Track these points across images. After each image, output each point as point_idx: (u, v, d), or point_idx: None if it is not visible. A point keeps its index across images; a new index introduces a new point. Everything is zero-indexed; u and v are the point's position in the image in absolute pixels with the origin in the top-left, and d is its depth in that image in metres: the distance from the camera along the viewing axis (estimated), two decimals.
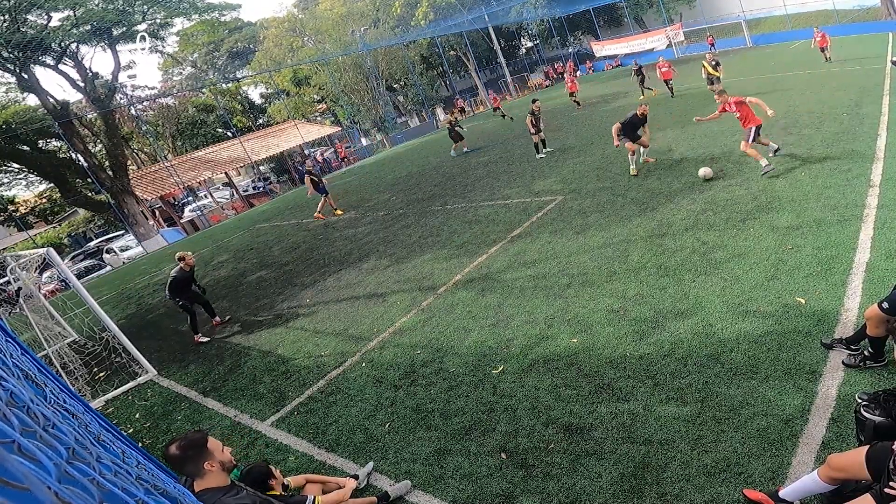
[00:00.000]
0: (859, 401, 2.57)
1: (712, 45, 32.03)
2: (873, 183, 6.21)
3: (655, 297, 5.03)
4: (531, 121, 13.34)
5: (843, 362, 3.46)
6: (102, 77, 25.47)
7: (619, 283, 5.51)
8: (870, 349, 3.36)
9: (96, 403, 6.40)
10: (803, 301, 4.26)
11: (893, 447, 2.11)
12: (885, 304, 3.11)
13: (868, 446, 2.26)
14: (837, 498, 2.44)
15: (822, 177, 6.80)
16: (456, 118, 19.07)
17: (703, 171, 8.15)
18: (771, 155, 8.01)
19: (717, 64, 15.59)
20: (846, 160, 7.19)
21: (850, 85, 12.53)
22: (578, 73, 36.95)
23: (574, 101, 21.08)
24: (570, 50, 43.96)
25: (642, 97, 19.20)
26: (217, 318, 8.30)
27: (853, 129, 8.61)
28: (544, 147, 13.58)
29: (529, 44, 50.12)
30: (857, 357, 3.41)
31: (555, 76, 40.80)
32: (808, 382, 3.39)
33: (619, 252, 6.30)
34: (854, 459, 2.25)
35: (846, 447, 2.75)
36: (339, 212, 14.21)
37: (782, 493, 2.59)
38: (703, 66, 16.36)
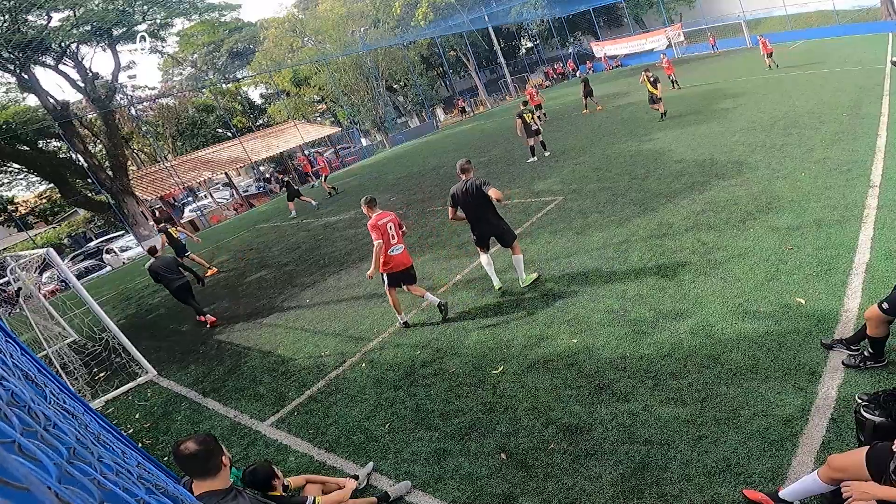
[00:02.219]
0: (859, 401, 2.57)
1: (713, 45, 32.06)
2: (873, 183, 6.21)
3: (655, 297, 5.03)
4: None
5: (843, 363, 3.46)
6: (102, 77, 25.47)
7: (619, 283, 5.51)
8: (870, 349, 3.36)
9: (96, 404, 6.40)
10: (803, 301, 4.26)
11: (893, 447, 2.11)
12: (885, 305, 3.11)
13: (868, 447, 2.26)
14: (837, 498, 2.44)
15: (822, 177, 6.80)
16: (289, 177, 17.12)
17: None
18: (435, 305, 5.93)
19: (656, 80, 13.84)
20: (846, 160, 7.19)
21: (850, 85, 12.53)
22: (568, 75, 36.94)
23: (541, 113, 18.94)
24: (570, 50, 43.96)
25: (585, 111, 18.73)
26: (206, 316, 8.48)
27: (853, 129, 8.61)
28: (532, 155, 13.19)
29: (529, 44, 50.13)
30: (857, 357, 3.41)
31: (555, 76, 40.81)
32: (808, 383, 3.39)
33: (619, 252, 6.30)
34: (854, 460, 2.25)
35: (846, 447, 2.75)
36: (210, 272, 12.07)
37: (782, 494, 2.59)
38: (644, 83, 14.44)
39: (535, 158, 13.03)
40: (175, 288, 8.27)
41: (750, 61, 22.06)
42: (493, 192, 5.50)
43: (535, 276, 6.19)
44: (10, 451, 0.72)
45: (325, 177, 20.18)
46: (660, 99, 13.92)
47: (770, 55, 19.46)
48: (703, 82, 19.68)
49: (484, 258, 6.11)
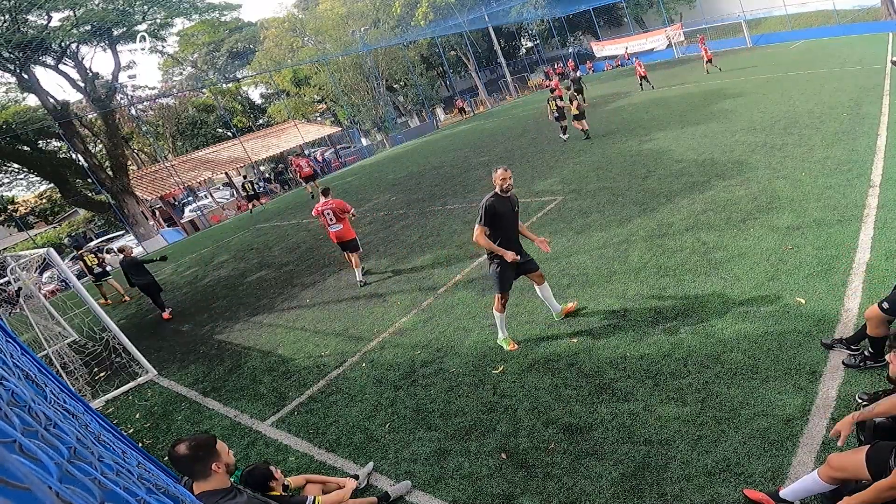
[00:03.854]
0: (859, 401, 2.57)
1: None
2: (873, 183, 6.21)
3: (655, 297, 5.03)
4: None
5: (843, 362, 3.46)
6: (102, 77, 25.45)
7: (619, 283, 5.51)
8: (870, 349, 3.36)
9: (96, 403, 6.40)
10: (803, 301, 4.26)
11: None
12: (886, 305, 3.11)
13: (868, 446, 2.26)
14: (838, 498, 2.44)
15: (822, 177, 6.80)
16: (249, 179, 19.93)
17: None
18: (361, 280, 7.90)
19: (581, 91, 13.85)
20: (846, 160, 7.19)
21: (850, 85, 12.53)
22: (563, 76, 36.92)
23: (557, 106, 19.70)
24: (570, 50, 43.95)
25: (584, 105, 19.39)
26: (167, 312, 9.49)
27: (853, 129, 8.61)
28: (563, 133, 14.58)
29: (529, 44, 50.12)
30: (857, 357, 3.42)
31: (554, 76, 40.79)
32: (808, 382, 3.39)
33: (619, 252, 6.30)
34: (854, 459, 2.25)
35: (846, 447, 2.75)
36: (124, 299, 12.44)
37: (782, 493, 2.59)
38: (570, 100, 14.53)
39: (566, 137, 14.45)
40: (141, 285, 9.41)
41: (744, 61, 22.12)
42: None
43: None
44: (11, 451, 0.73)
45: (306, 178, 19.13)
46: (579, 116, 13.81)
47: (710, 61, 21.71)
48: (690, 82, 19.68)
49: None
